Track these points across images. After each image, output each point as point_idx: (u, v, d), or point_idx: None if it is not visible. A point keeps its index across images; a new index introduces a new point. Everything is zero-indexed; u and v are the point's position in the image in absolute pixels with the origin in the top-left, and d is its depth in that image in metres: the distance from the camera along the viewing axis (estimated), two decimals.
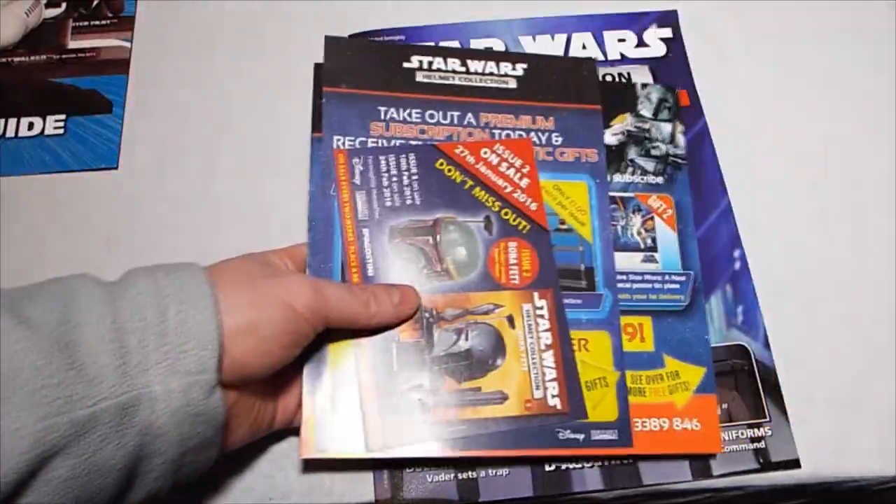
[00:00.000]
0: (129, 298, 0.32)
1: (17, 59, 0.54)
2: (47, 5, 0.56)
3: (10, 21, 0.54)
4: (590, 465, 0.41)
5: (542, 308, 0.41)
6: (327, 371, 0.39)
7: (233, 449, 0.37)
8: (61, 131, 0.51)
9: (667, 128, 0.47)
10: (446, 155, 0.44)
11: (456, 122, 0.45)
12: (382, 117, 0.45)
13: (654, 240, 0.44)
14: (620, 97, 0.48)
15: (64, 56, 0.54)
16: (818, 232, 0.48)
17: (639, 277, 0.43)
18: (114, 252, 0.47)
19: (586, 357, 0.41)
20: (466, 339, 0.40)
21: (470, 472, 0.41)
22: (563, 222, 0.44)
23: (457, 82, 0.46)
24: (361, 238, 0.41)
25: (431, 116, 0.45)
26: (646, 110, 0.47)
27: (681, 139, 0.47)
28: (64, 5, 0.56)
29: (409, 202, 0.42)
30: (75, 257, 0.47)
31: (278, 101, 0.52)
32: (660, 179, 0.46)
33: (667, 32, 0.55)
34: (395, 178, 0.43)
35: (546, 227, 0.43)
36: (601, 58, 0.53)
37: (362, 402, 0.39)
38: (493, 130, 0.45)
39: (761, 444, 0.42)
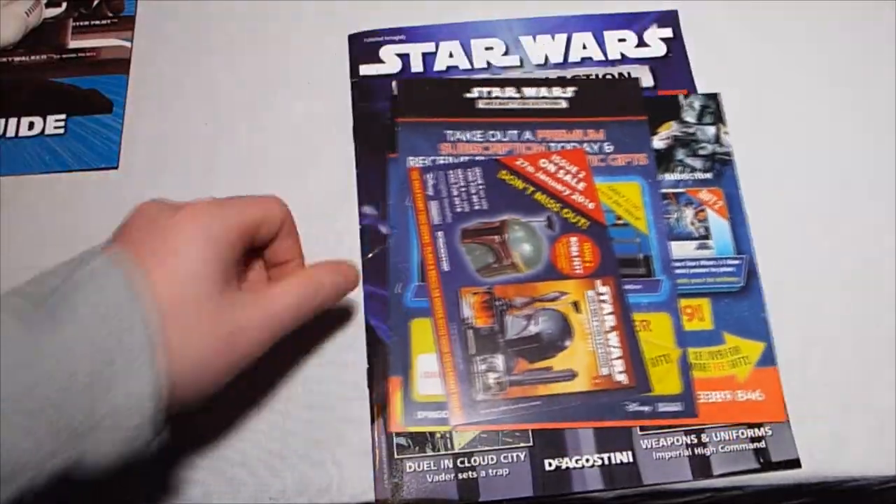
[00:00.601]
0: (61, 345, 0.29)
1: (17, 59, 0.54)
2: (47, 5, 0.56)
3: (11, 21, 0.54)
4: (590, 465, 0.41)
5: (604, 294, 0.45)
6: (411, 355, 0.43)
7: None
8: (61, 131, 0.51)
9: (711, 130, 0.50)
10: (508, 167, 0.48)
11: (515, 138, 0.50)
12: (449, 139, 0.49)
13: (706, 229, 0.47)
14: (665, 108, 0.51)
15: (64, 56, 0.54)
16: (819, 231, 0.48)
17: (694, 263, 0.46)
18: None
19: (649, 336, 0.44)
20: (536, 323, 0.44)
21: (470, 473, 0.41)
22: (619, 218, 0.47)
23: (514, 107, 0.51)
24: (436, 240, 0.46)
25: (493, 136, 0.50)
26: (690, 117, 0.50)
27: (725, 139, 0.50)
28: (64, 5, 0.56)
29: (477, 208, 0.47)
30: None
31: (278, 101, 0.52)
32: (709, 175, 0.49)
33: (667, 32, 0.55)
34: (463, 189, 0.48)
35: (604, 223, 0.47)
36: (601, 58, 0.54)
37: (444, 383, 0.43)
38: (549, 144, 0.49)
39: (761, 444, 0.42)
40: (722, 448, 0.41)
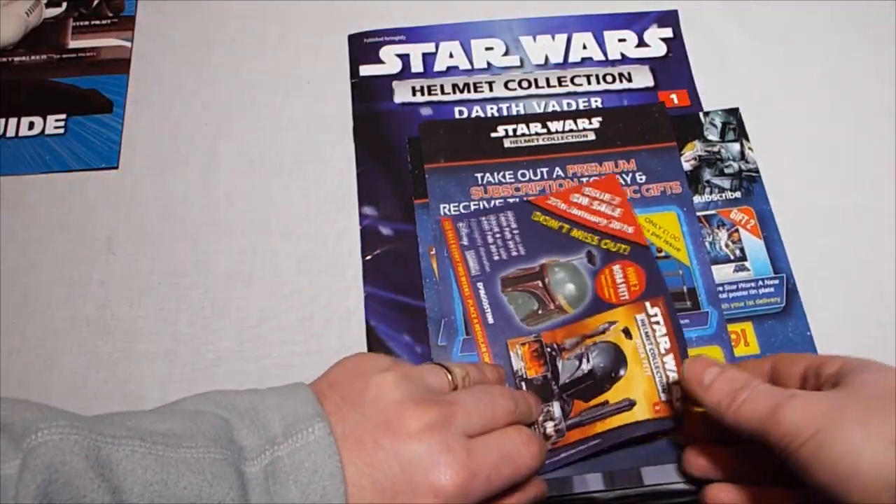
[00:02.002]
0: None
1: (17, 59, 0.54)
2: (48, 5, 0.56)
3: (11, 21, 0.54)
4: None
5: (655, 315, 0.42)
6: None
7: None
8: (62, 131, 0.51)
9: (735, 147, 0.50)
10: (540, 207, 0.47)
11: (545, 176, 0.49)
12: (480, 182, 0.48)
13: (741, 250, 0.46)
14: (687, 127, 0.51)
15: (64, 56, 0.54)
16: (820, 229, 0.48)
17: (734, 287, 0.45)
18: (114, 252, 0.47)
19: None
20: (588, 361, 0.42)
21: None
22: (659, 250, 0.46)
23: (541, 143, 0.50)
24: (477, 291, 0.45)
25: (523, 175, 0.49)
26: (712, 135, 0.50)
27: (751, 155, 0.49)
28: (64, 5, 0.56)
29: (514, 254, 0.46)
30: (75, 257, 0.47)
31: (278, 101, 0.52)
32: (738, 194, 0.48)
33: (667, 32, 0.55)
34: (497, 235, 0.46)
35: (645, 244, 0.45)
36: (601, 58, 0.54)
37: None
38: (581, 179, 0.48)
39: None
40: None
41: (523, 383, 0.42)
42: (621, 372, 0.41)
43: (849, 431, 0.29)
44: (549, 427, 0.40)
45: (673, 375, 0.41)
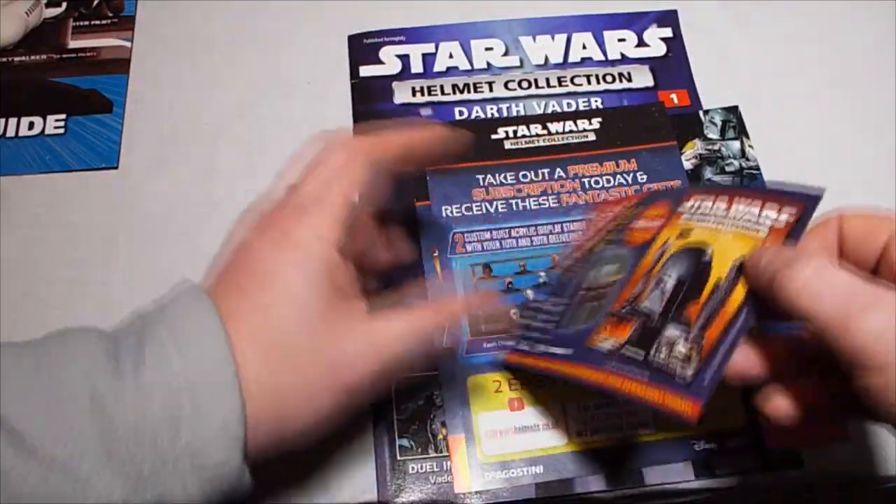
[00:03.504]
0: (139, 389, 0.28)
1: (17, 59, 0.54)
2: (47, 5, 0.56)
3: (10, 21, 0.54)
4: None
5: (691, 201, 0.39)
6: (472, 413, 0.42)
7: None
8: (62, 131, 0.51)
9: (735, 145, 0.50)
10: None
11: (547, 177, 0.49)
12: (482, 184, 0.48)
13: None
14: (687, 126, 0.51)
15: (64, 56, 0.54)
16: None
17: None
18: (114, 252, 0.47)
19: None
20: (669, 277, 0.36)
21: None
22: None
23: (542, 144, 0.50)
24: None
25: (525, 176, 0.49)
26: (712, 133, 0.50)
27: (751, 152, 0.49)
28: (64, 5, 0.56)
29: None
30: (75, 257, 0.47)
31: (278, 101, 0.52)
32: None
33: (667, 32, 0.55)
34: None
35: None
36: (601, 58, 0.54)
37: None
38: (582, 180, 0.48)
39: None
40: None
41: (627, 353, 0.35)
42: (707, 253, 0.35)
43: None
44: (681, 347, 0.33)
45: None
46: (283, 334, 0.31)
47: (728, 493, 0.42)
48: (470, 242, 0.46)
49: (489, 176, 0.48)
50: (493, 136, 0.50)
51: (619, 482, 0.40)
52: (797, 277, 0.28)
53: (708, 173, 0.49)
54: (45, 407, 0.27)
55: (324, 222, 0.32)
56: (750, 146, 0.50)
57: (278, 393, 0.30)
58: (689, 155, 0.50)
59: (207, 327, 0.30)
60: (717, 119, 0.51)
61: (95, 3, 0.56)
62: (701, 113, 0.51)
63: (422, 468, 0.41)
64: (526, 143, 0.50)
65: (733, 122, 0.51)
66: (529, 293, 0.45)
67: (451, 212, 0.47)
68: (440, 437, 0.41)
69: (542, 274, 0.45)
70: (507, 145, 0.50)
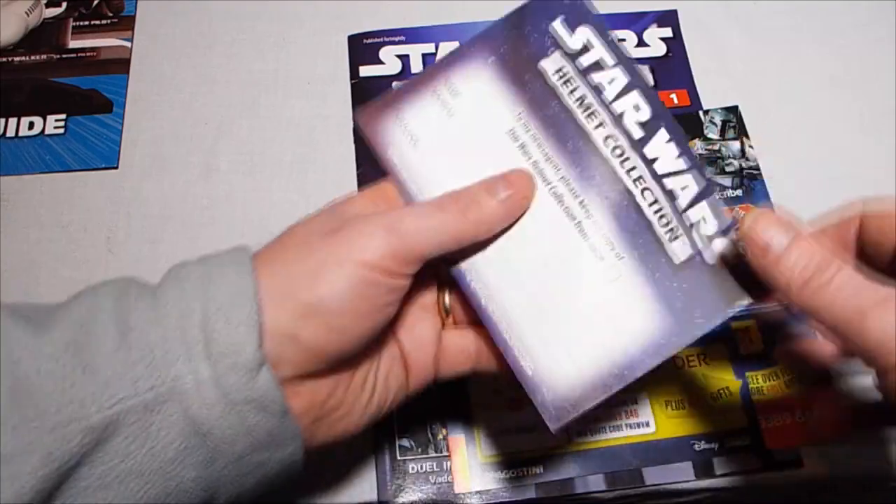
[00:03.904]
0: (154, 289, 0.29)
1: (17, 59, 0.54)
2: (47, 5, 0.56)
3: (11, 21, 0.54)
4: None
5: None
6: (471, 412, 0.41)
7: (348, 436, 0.32)
8: (62, 131, 0.51)
9: (735, 145, 0.50)
10: None
11: None
12: None
13: (743, 248, 0.45)
14: (687, 126, 0.50)
15: (64, 56, 0.54)
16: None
17: None
18: (114, 252, 0.47)
19: (707, 370, 0.43)
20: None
21: None
22: None
23: None
24: None
25: None
26: (712, 133, 0.50)
27: (751, 152, 0.49)
28: (64, 5, 0.56)
29: None
30: (75, 257, 0.47)
31: (278, 101, 0.52)
32: (739, 192, 0.48)
33: (667, 32, 0.55)
34: None
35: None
36: None
37: None
38: None
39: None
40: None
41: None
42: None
43: None
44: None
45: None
46: (289, 240, 0.31)
47: (728, 493, 0.42)
48: None
49: None
50: None
51: (619, 482, 0.40)
52: (825, 289, 0.27)
53: (708, 173, 0.49)
54: (65, 306, 0.28)
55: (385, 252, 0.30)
56: (750, 146, 0.50)
57: (286, 276, 0.29)
58: None
59: (234, 253, 0.30)
60: (717, 119, 0.51)
61: (95, 3, 0.56)
62: (701, 113, 0.51)
63: (422, 468, 0.41)
64: None
65: (733, 122, 0.51)
66: None
67: None
68: (440, 437, 0.41)
69: None
70: None
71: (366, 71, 0.53)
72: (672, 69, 0.53)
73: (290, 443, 0.29)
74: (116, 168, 0.50)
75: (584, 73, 0.33)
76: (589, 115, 0.33)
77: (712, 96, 0.52)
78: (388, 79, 0.52)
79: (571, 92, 0.33)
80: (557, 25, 0.34)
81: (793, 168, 0.50)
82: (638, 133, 0.32)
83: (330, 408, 0.30)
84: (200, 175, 0.50)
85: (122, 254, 0.47)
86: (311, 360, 0.28)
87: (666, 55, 0.54)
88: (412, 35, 0.54)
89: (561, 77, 0.33)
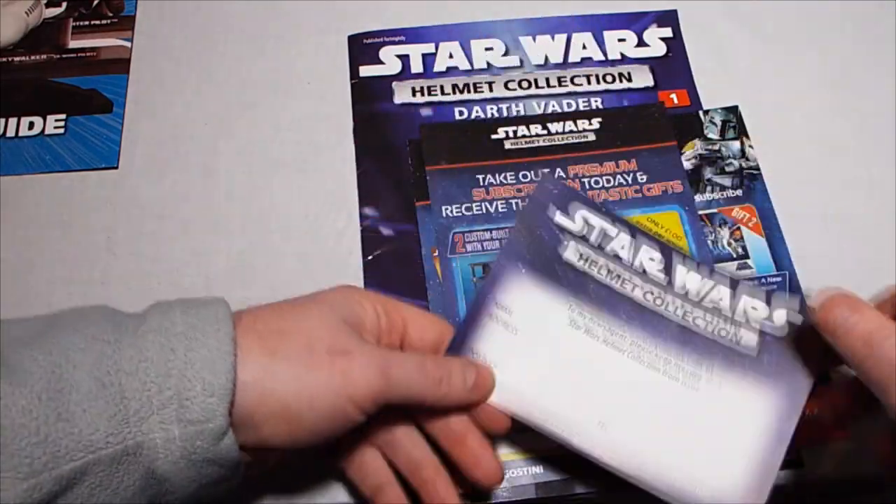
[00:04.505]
0: (137, 336, 0.30)
1: (17, 59, 0.54)
2: (47, 5, 0.56)
3: (10, 21, 0.54)
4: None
5: None
6: None
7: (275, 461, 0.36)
8: (62, 131, 0.51)
9: (735, 145, 0.50)
10: None
11: None
12: (482, 184, 0.48)
13: (744, 248, 0.47)
14: (687, 126, 0.51)
15: (64, 56, 0.54)
16: (822, 226, 0.48)
17: None
18: (114, 252, 0.47)
19: None
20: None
21: None
22: None
23: (542, 144, 0.50)
24: None
25: (525, 176, 0.48)
26: (712, 133, 0.50)
27: (751, 152, 0.49)
28: (64, 5, 0.56)
29: None
30: (75, 257, 0.47)
31: (278, 101, 0.52)
32: (739, 192, 0.48)
33: (667, 32, 0.55)
34: None
35: None
36: (601, 58, 0.54)
37: None
38: (582, 180, 0.48)
39: None
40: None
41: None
42: None
43: None
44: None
45: None
46: (289, 338, 0.32)
47: None
48: (470, 242, 0.46)
49: (489, 176, 0.48)
50: (493, 136, 0.50)
51: (619, 482, 0.40)
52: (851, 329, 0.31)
53: (708, 173, 0.49)
54: (42, 346, 0.28)
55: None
56: (750, 146, 0.50)
57: (271, 369, 0.31)
58: (689, 155, 0.49)
59: (218, 312, 0.31)
60: (718, 119, 0.51)
61: (95, 3, 0.56)
62: (701, 113, 0.51)
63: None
64: (526, 143, 0.50)
65: (733, 122, 0.51)
66: None
67: (451, 212, 0.47)
68: None
69: None
70: (507, 145, 0.50)
71: (366, 71, 0.53)
72: (672, 69, 0.53)
73: (235, 479, 0.32)
74: (116, 168, 0.50)
75: (600, 248, 0.40)
76: (622, 283, 0.39)
77: (712, 96, 0.52)
78: (389, 79, 0.52)
79: (599, 270, 0.39)
80: (556, 216, 0.40)
81: (793, 165, 0.50)
82: (663, 279, 0.39)
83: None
84: (200, 175, 0.50)
85: (122, 254, 0.47)
86: (256, 442, 0.31)
87: (666, 55, 0.54)
88: (412, 35, 0.54)
89: (585, 261, 0.39)
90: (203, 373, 0.29)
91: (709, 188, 0.48)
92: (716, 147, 0.50)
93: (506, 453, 0.41)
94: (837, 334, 0.31)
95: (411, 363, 0.34)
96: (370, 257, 0.46)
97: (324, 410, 0.31)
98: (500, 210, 0.47)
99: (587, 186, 0.48)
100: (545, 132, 0.50)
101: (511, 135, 0.50)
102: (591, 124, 0.50)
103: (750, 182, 0.49)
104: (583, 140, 0.50)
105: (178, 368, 0.29)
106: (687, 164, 0.49)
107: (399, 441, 0.36)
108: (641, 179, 0.48)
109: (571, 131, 0.50)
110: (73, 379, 0.28)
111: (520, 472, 0.40)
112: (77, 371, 0.28)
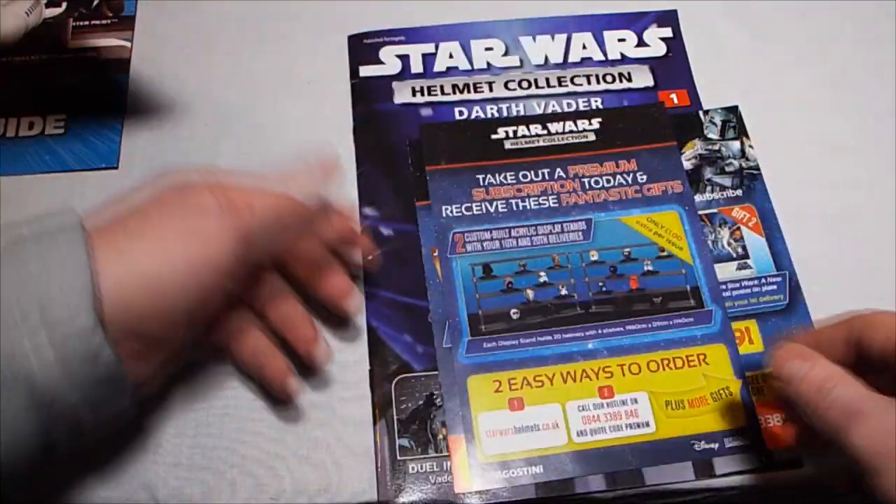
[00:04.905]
0: None
1: (17, 59, 0.54)
2: (47, 5, 0.56)
3: (10, 21, 0.54)
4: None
5: None
6: (472, 413, 0.42)
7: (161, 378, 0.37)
8: (61, 131, 0.51)
9: (735, 145, 0.50)
10: None
11: (547, 177, 0.49)
12: (482, 184, 0.48)
13: (744, 248, 0.47)
14: (687, 126, 0.51)
15: (64, 56, 0.54)
16: (822, 226, 0.48)
17: (737, 285, 0.46)
18: None
19: (707, 370, 0.43)
20: None
21: None
22: (662, 249, 0.46)
23: (542, 144, 0.50)
24: None
25: (525, 176, 0.49)
26: (712, 133, 0.50)
27: (751, 152, 0.49)
28: (64, 5, 0.56)
29: None
30: None
31: (278, 101, 0.52)
32: (738, 192, 0.48)
33: (667, 32, 0.55)
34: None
35: None
36: (601, 58, 0.54)
37: None
38: (582, 180, 0.48)
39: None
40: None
41: None
42: None
43: None
44: None
45: None
46: (139, 225, 0.33)
47: (728, 494, 0.42)
48: (470, 242, 0.46)
49: (489, 176, 0.48)
50: (493, 136, 0.50)
51: (619, 482, 0.40)
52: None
53: (708, 173, 0.49)
54: None
55: (229, 240, 0.34)
56: (750, 146, 0.50)
57: (127, 246, 0.31)
58: (689, 155, 0.49)
59: (64, 219, 0.32)
60: (718, 119, 0.51)
61: (95, 3, 0.56)
62: (701, 113, 0.51)
63: (422, 468, 0.41)
64: (526, 143, 0.50)
65: (733, 122, 0.51)
66: (530, 293, 0.45)
67: (451, 211, 0.47)
68: (440, 437, 0.41)
69: (543, 274, 0.46)
70: (507, 145, 0.50)
71: (366, 71, 0.53)
72: (672, 69, 0.53)
73: (125, 398, 0.33)
74: (116, 168, 0.50)
75: None
76: None
77: (712, 96, 0.52)
78: (389, 79, 0.52)
79: None
80: None
81: (793, 165, 0.50)
82: None
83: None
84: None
85: None
86: (137, 331, 0.31)
87: (666, 55, 0.54)
88: (412, 35, 0.54)
89: None
90: (59, 274, 0.29)
91: (709, 188, 0.48)
92: (716, 147, 0.50)
93: (506, 453, 0.41)
94: (792, 383, 0.33)
95: (265, 205, 0.36)
96: (370, 257, 0.46)
97: (183, 265, 0.32)
98: (501, 210, 0.47)
99: (587, 186, 0.48)
100: (545, 132, 0.50)
101: (511, 135, 0.50)
102: (591, 124, 0.50)
103: (750, 182, 0.49)
104: (583, 140, 0.50)
105: (33, 275, 0.29)
106: (687, 164, 0.49)
107: (270, 300, 0.40)
108: (641, 179, 0.48)
109: (571, 131, 0.50)
110: None
111: (520, 472, 0.40)
112: None
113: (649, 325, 0.44)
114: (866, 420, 0.30)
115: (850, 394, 0.32)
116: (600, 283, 0.45)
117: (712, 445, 0.41)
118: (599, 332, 0.44)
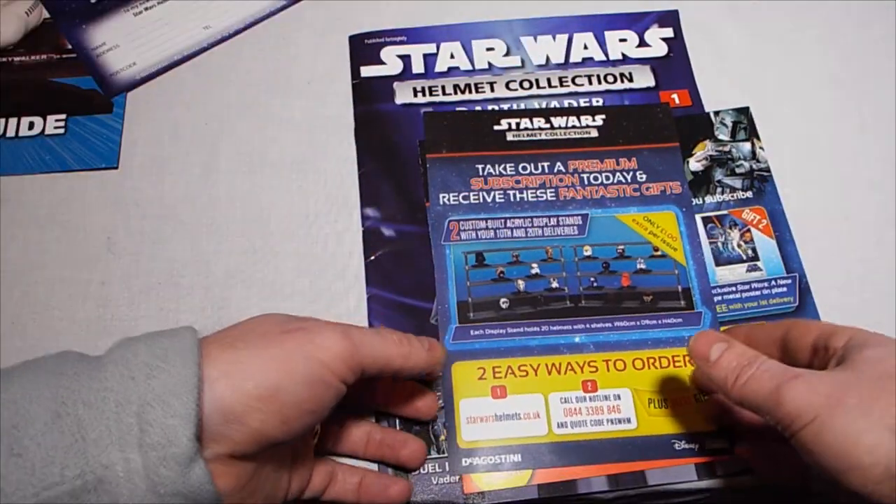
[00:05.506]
0: (98, 367, 0.28)
1: (17, 59, 0.54)
2: None
3: (10, 21, 0.54)
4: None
5: None
6: (454, 399, 0.42)
7: None
8: (62, 131, 0.51)
9: (746, 146, 0.50)
10: None
11: (546, 171, 0.49)
12: (481, 173, 0.48)
13: (754, 250, 0.47)
14: (697, 127, 0.51)
15: (64, 56, 0.54)
16: (832, 228, 0.48)
17: (746, 287, 0.46)
18: (114, 252, 0.47)
19: (692, 371, 0.43)
20: None
21: None
22: (656, 249, 0.46)
23: (544, 137, 0.50)
24: None
25: (524, 168, 0.49)
26: (723, 134, 0.50)
27: (761, 154, 0.49)
28: None
29: None
30: (75, 257, 0.47)
31: (279, 101, 0.52)
32: (749, 194, 0.48)
33: (668, 32, 0.55)
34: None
35: None
36: (602, 58, 0.53)
37: None
38: (581, 175, 0.48)
39: None
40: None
41: None
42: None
43: (848, 417, 0.29)
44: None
45: None
46: (245, 334, 0.32)
47: (729, 494, 0.41)
48: (465, 230, 0.46)
49: (489, 166, 0.49)
50: (496, 128, 0.50)
51: (621, 482, 0.40)
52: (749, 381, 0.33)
53: (719, 175, 0.49)
54: (2, 383, 0.27)
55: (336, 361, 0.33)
56: (761, 148, 0.50)
57: (236, 358, 0.30)
58: (700, 156, 0.49)
59: (184, 340, 0.30)
60: (728, 120, 0.51)
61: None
62: (712, 114, 0.51)
63: (425, 469, 0.41)
64: (528, 135, 0.50)
65: (744, 123, 0.51)
66: (521, 283, 0.45)
67: (448, 199, 0.47)
68: (442, 438, 0.41)
69: (535, 266, 0.45)
70: (509, 137, 0.50)
71: (367, 71, 0.53)
72: (673, 69, 0.53)
73: None
74: (116, 168, 0.50)
75: None
76: None
77: (714, 96, 0.52)
78: (390, 79, 0.52)
79: None
80: None
81: (803, 167, 0.50)
82: None
83: (248, 492, 0.32)
84: (200, 175, 0.50)
85: (122, 254, 0.47)
86: (251, 442, 0.30)
87: (667, 55, 0.54)
88: (413, 35, 0.54)
89: None
90: (164, 396, 0.27)
91: (719, 190, 0.48)
92: (726, 148, 0.50)
93: (485, 440, 0.41)
94: (709, 361, 0.35)
95: (369, 330, 0.35)
96: (371, 258, 0.46)
97: (300, 377, 0.31)
98: (498, 200, 0.47)
99: (585, 182, 0.48)
100: (548, 126, 0.50)
101: (513, 127, 0.50)
102: (594, 121, 0.50)
103: (760, 184, 0.49)
104: (585, 136, 0.50)
105: (139, 395, 0.27)
106: (697, 166, 0.49)
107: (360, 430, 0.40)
108: (641, 178, 0.48)
109: (574, 126, 0.50)
110: (28, 413, 0.26)
111: (497, 458, 0.41)
112: (33, 405, 0.27)
113: (638, 323, 0.44)
114: (797, 380, 0.31)
115: (776, 365, 0.33)
116: (592, 279, 0.45)
117: (692, 446, 0.41)
118: (587, 326, 0.44)
